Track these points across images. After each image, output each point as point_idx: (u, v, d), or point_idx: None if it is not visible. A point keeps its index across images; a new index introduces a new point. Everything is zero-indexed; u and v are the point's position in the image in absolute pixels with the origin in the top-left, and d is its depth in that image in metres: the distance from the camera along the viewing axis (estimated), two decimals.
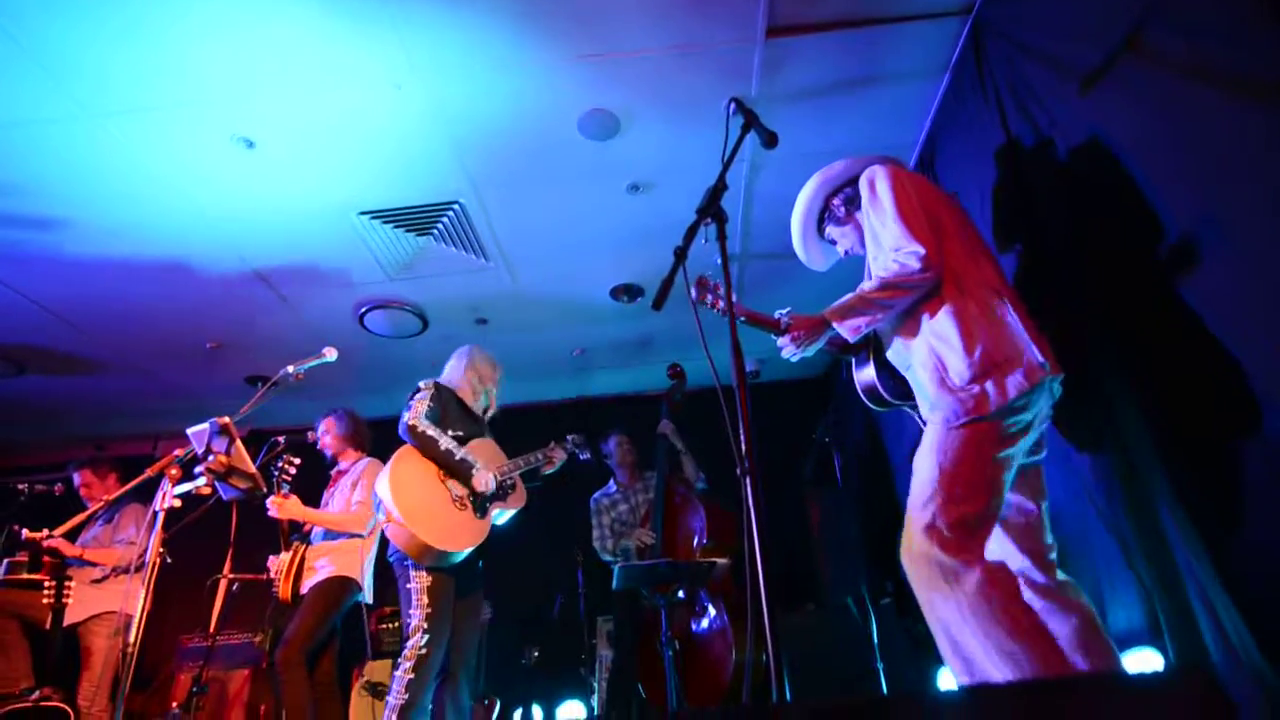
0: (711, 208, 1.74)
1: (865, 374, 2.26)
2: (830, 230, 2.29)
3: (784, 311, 2.06)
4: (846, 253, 2.31)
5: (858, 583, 3.10)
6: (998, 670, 1.56)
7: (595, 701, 3.82)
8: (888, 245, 1.95)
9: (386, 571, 3.06)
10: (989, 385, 1.74)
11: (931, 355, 1.86)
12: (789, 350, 2.06)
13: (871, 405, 2.30)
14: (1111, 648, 1.75)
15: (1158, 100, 1.70)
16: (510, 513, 2.82)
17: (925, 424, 2.22)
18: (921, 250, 1.85)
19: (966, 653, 1.62)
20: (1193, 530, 1.64)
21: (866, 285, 1.94)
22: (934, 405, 1.84)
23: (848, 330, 1.95)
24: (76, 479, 4.15)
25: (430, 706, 2.71)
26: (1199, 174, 1.60)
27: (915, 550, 1.72)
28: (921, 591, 1.72)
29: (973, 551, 1.69)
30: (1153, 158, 1.75)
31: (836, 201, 2.24)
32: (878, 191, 2.00)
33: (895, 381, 2.17)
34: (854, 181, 2.18)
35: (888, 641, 2.96)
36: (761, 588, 1.31)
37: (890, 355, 2.08)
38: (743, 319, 2.08)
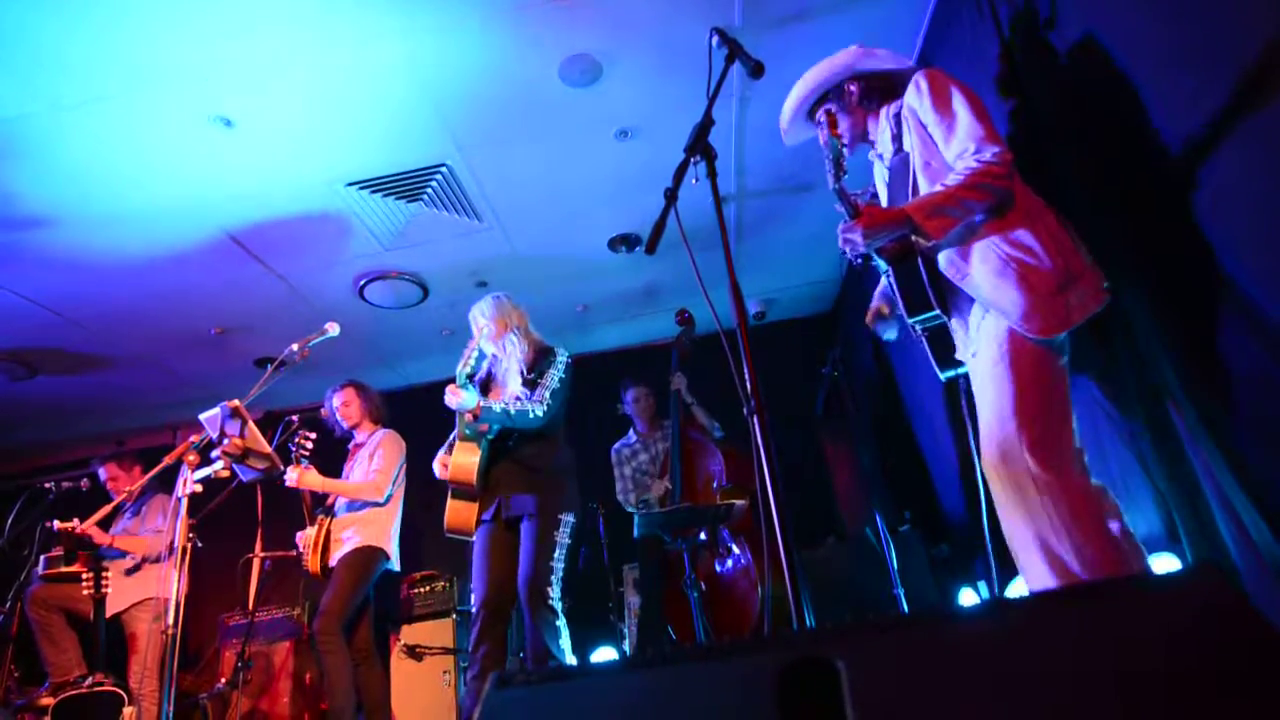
0: (699, 145, 1.68)
1: None
2: (834, 109, 2.10)
3: (861, 191, 1.94)
4: (827, 141, 2.04)
5: (874, 512, 3.12)
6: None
7: (627, 646, 3.92)
8: (959, 145, 1.82)
9: (414, 538, 3.13)
10: (1074, 298, 1.68)
11: (1009, 263, 1.74)
12: (852, 239, 1.87)
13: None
14: (1144, 554, 1.75)
15: None
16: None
17: (932, 340, 2.14)
18: (1008, 153, 1.74)
19: (1062, 557, 1.60)
20: (1206, 433, 1.62)
21: (951, 181, 1.78)
22: (1014, 305, 1.72)
23: (934, 229, 1.78)
24: (102, 474, 4.21)
25: (478, 657, 2.81)
26: (1211, 59, 1.53)
27: (1002, 462, 1.69)
28: (1007, 502, 1.69)
29: (1061, 463, 1.65)
30: (1160, 48, 1.67)
31: (854, 88, 2.10)
32: (942, 92, 1.87)
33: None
34: (882, 75, 2.08)
35: (907, 568, 3.00)
36: (776, 523, 1.31)
37: (943, 265, 1.93)
38: (834, 188, 1.95)
